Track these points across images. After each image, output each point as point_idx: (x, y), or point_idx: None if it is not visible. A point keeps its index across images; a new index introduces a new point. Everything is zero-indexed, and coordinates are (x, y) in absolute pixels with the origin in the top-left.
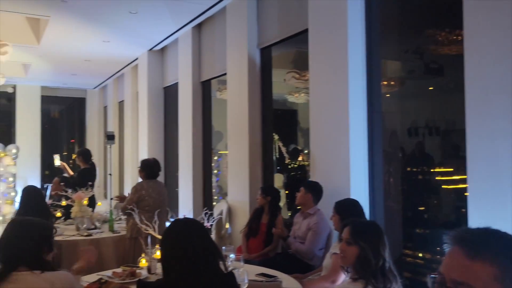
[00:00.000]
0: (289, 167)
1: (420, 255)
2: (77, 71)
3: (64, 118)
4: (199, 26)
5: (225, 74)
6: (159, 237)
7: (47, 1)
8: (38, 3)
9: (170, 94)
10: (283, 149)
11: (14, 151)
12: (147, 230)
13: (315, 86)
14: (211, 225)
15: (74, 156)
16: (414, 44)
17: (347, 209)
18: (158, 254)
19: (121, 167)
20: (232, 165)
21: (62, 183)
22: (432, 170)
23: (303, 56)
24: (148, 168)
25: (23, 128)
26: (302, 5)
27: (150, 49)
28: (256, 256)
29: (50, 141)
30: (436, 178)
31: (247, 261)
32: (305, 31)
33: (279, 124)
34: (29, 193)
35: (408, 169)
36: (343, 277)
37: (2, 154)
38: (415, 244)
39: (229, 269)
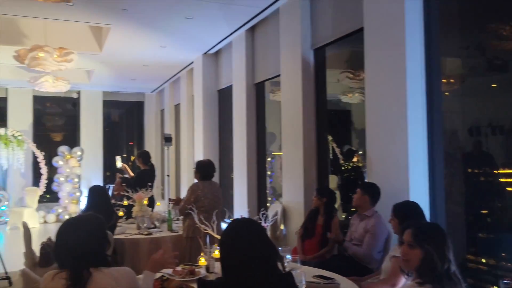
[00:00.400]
0: (343, 168)
1: (484, 260)
2: (136, 76)
3: (123, 121)
4: (253, 28)
5: (278, 75)
6: (218, 237)
7: (109, 10)
8: (101, 12)
9: (224, 97)
10: (337, 150)
11: (79, 153)
12: (206, 230)
13: (371, 86)
14: (268, 225)
15: (133, 158)
16: (476, 40)
17: (406, 212)
18: (216, 253)
19: (177, 168)
20: (287, 166)
21: (123, 184)
22: (495, 171)
23: (357, 56)
24: (203, 169)
25: (87, 131)
26: (356, 3)
27: (205, 53)
28: (312, 257)
29: (111, 143)
30: (500, 180)
31: (303, 263)
32: (360, 30)
33: (333, 124)
34: (95, 192)
35: (469, 170)
36: (403, 281)
37: (68, 156)
38: (478, 249)
39: (287, 269)
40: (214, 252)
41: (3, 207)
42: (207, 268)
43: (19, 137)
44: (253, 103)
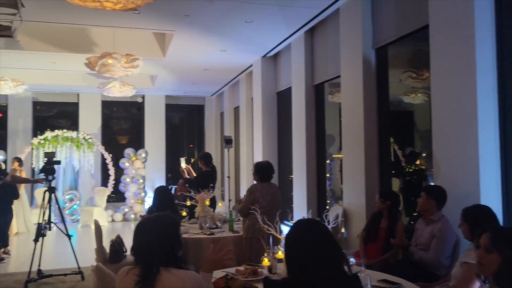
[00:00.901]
0: (405, 171)
1: None
2: (196, 80)
3: (184, 124)
4: (312, 30)
5: (338, 76)
6: (281, 237)
7: (172, 16)
8: (165, 19)
9: (283, 98)
10: (399, 152)
11: (143, 155)
12: (269, 231)
13: (437, 85)
14: (332, 227)
15: (192, 160)
16: None
17: (477, 216)
18: (279, 254)
19: (237, 169)
20: (347, 168)
21: (186, 185)
22: None
23: (421, 54)
24: (261, 170)
25: (151, 134)
26: (421, 0)
27: (264, 56)
28: (376, 261)
29: (172, 146)
30: None
31: (366, 267)
32: (425, 27)
33: (394, 126)
34: (161, 193)
35: None
36: None
37: (134, 158)
38: None
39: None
40: (277, 253)
41: (75, 206)
42: (270, 269)
43: (90, 140)
44: (312, 105)
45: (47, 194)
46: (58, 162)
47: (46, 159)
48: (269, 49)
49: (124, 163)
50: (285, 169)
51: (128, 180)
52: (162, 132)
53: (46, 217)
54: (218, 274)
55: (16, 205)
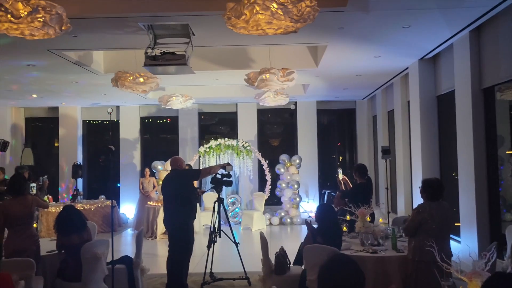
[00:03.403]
0: None
1: None
2: (348, 85)
3: (335, 127)
4: (478, 28)
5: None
6: (451, 270)
7: (327, 30)
8: (319, 33)
9: (445, 102)
10: None
11: (297, 161)
12: (445, 268)
13: None
14: None
15: (341, 157)
16: None
17: None
18: None
19: (392, 179)
20: None
21: (345, 199)
22: None
23: None
24: (430, 189)
25: (303, 139)
26: None
27: (421, 58)
28: None
29: (323, 149)
30: None
31: None
32: None
33: None
34: (324, 210)
35: None
36: None
37: (288, 164)
38: None
39: None
40: None
41: (237, 209)
42: None
43: (248, 147)
44: (480, 110)
45: (216, 204)
46: (230, 175)
47: (226, 172)
48: (427, 51)
49: (279, 168)
50: (448, 178)
51: (283, 185)
52: (314, 138)
53: (216, 225)
54: None
55: None
